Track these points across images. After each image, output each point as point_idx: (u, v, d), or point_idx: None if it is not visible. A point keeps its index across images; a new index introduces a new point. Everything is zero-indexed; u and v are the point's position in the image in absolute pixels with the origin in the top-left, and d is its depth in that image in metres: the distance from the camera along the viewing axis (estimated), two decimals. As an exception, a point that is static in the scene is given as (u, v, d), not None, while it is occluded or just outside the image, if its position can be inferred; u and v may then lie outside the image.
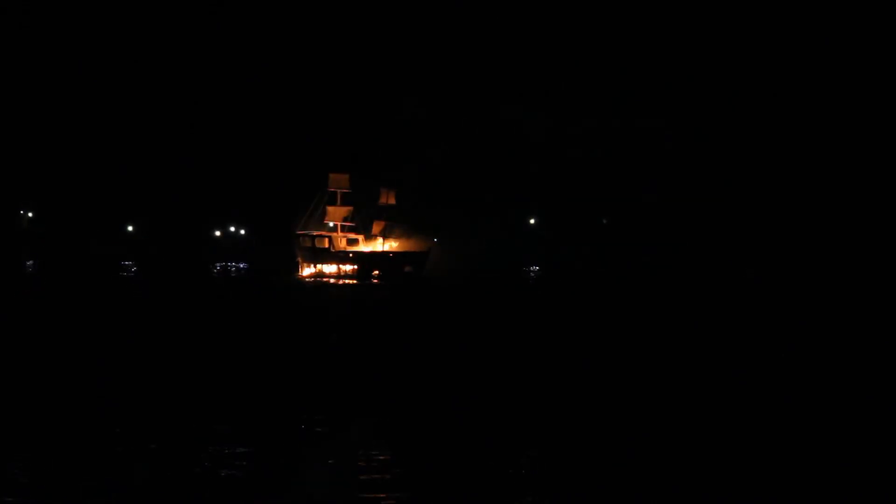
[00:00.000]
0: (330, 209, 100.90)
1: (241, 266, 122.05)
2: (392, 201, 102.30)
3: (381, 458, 17.83)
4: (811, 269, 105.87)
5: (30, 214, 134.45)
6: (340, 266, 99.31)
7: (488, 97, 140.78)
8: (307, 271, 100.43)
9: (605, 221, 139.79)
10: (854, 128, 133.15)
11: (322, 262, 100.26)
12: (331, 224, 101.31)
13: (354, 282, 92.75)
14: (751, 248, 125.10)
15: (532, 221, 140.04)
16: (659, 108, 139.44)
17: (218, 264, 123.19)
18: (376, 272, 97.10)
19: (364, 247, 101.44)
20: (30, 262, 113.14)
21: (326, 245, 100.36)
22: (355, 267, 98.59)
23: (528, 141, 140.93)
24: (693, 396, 24.74)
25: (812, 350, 34.59)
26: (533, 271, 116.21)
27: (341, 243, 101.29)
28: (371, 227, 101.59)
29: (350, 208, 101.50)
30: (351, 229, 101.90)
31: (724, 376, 27.95)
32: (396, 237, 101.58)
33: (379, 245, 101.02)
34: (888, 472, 17.29)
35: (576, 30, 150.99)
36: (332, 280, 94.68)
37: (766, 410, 22.89)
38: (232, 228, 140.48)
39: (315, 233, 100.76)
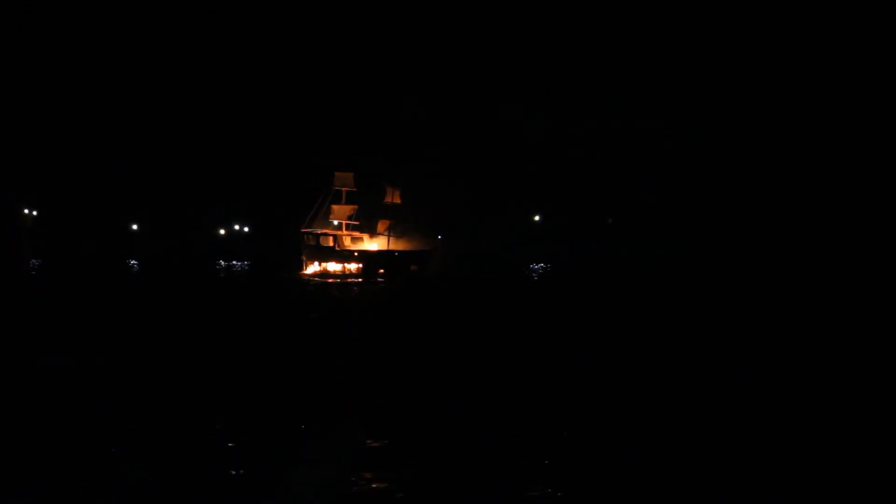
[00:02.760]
0: (335, 207, 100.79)
1: (245, 264, 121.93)
2: (398, 200, 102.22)
3: (376, 456, 17.72)
4: (811, 269, 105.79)
5: (34, 213, 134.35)
6: (345, 265, 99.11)
7: (488, 97, 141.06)
8: (311, 269, 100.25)
9: (610, 221, 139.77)
10: (853, 127, 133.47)
11: (326, 261, 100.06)
12: (335, 222, 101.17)
13: (359, 280, 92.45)
14: (751, 248, 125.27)
15: (536, 219, 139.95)
16: (659, 108, 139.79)
17: (221, 262, 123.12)
18: (381, 271, 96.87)
19: (369, 245, 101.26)
20: (34, 261, 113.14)
21: (331, 243, 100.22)
22: (360, 266, 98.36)
23: (529, 141, 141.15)
24: (694, 395, 24.70)
25: (813, 350, 34.36)
26: (536, 270, 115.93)
27: (346, 242, 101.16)
28: (376, 226, 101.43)
29: (355, 207, 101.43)
30: (356, 228, 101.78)
31: (725, 375, 27.74)
32: (400, 235, 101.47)
33: (384, 243, 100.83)
34: (888, 472, 17.18)
35: (575, 30, 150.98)
36: (336, 279, 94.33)
37: (768, 410, 22.76)
38: (236, 227, 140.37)
39: (319, 231, 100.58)
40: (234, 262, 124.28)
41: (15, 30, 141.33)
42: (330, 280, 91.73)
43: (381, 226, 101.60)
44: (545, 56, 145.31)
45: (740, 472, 16.97)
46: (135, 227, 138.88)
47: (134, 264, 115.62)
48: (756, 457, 18.02)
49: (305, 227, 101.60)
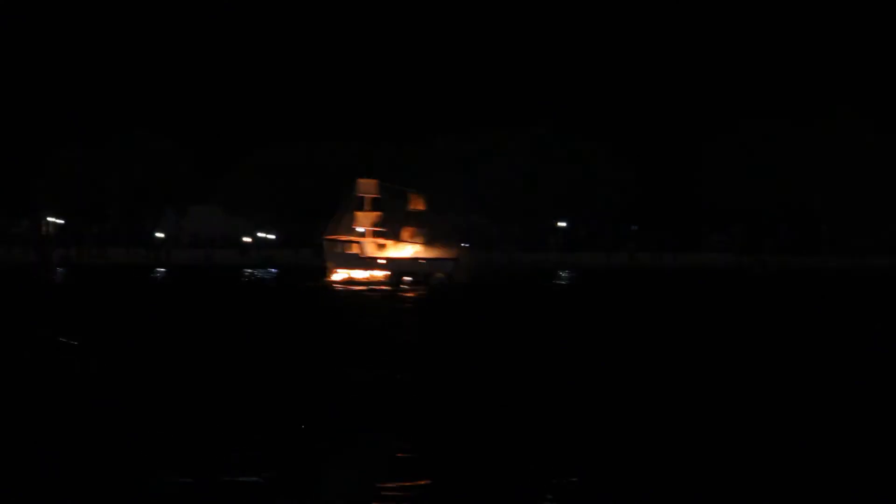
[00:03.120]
0: (359, 215, 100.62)
1: (271, 271, 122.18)
2: (421, 207, 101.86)
3: (406, 465, 17.48)
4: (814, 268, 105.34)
5: (60, 222, 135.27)
6: (371, 272, 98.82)
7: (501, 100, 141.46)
8: (336, 277, 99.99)
9: (634, 228, 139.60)
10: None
11: (352, 268, 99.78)
12: (360, 229, 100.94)
13: (386, 288, 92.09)
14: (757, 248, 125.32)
15: (562, 225, 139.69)
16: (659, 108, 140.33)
17: (247, 270, 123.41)
18: (407, 278, 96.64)
19: (394, 252, 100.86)
20: (59, 270, 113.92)
21: (356, 250, 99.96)
22: (386, 273, 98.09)
23: (547, 146, 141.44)
24: (709, 395, 24.63)
25: (817, 351, 34.19)
26: (564, 276, 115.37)
27: (371, 249, 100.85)
28: (401, 233, 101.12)
29: (379, 214, 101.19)
30: (380, 234, 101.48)
31: (740, 378, 27.54)
32: (426, 242, 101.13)
33: (409, 250, 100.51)
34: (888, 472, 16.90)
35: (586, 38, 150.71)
36: (362, 287, 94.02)
37: (777, 412, 22.63)
38: (261, 234, 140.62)
39: (344, 238, 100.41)
40: (260, 270, 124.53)
41: (26, 35, 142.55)
42: (356, 288, 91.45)
43: (405, 233, 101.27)
44: (555, 63, 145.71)
45: (755, 473, 16.68)
46: (160, 235, 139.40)
47: (160, 272, 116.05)
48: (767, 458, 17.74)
49: (330, 235, 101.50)
